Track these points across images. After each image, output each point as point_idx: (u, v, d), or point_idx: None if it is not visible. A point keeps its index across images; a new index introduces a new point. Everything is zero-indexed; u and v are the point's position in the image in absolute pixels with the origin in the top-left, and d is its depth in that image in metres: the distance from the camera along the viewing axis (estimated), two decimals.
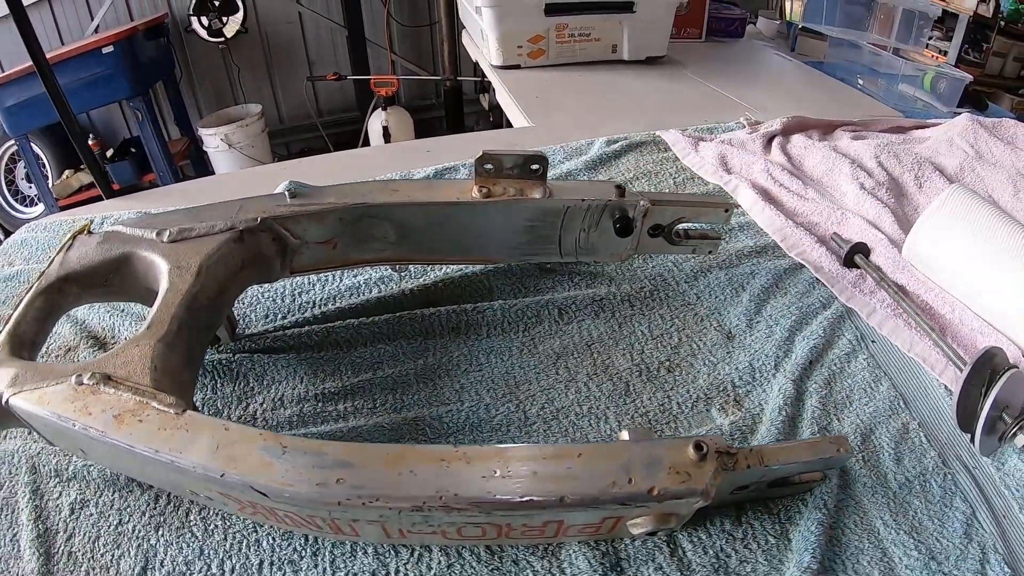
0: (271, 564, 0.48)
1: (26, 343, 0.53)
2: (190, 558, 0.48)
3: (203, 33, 2.68)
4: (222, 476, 0.43)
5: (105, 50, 2.28)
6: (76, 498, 0.53)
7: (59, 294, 0.59)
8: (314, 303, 0.73)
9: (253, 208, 0.65)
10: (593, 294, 0.72)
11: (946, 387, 0.61)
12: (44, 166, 2.67)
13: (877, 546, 0.46)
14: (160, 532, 0.50)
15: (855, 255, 0.75)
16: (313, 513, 0.44)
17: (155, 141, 2.57)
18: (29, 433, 0.58)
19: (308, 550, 0.49)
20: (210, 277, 0.60)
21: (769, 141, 1.04)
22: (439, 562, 0.48)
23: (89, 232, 0.63)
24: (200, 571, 0.47)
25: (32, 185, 2.72)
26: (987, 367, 0.54)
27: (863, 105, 1.36)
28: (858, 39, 1.42)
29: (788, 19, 1.79)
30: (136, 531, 0.50)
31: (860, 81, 1.48)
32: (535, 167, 0.66)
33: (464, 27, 2.01)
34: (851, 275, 0.74)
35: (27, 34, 1.47)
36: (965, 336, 0.65)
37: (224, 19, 2.67)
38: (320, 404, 0.60)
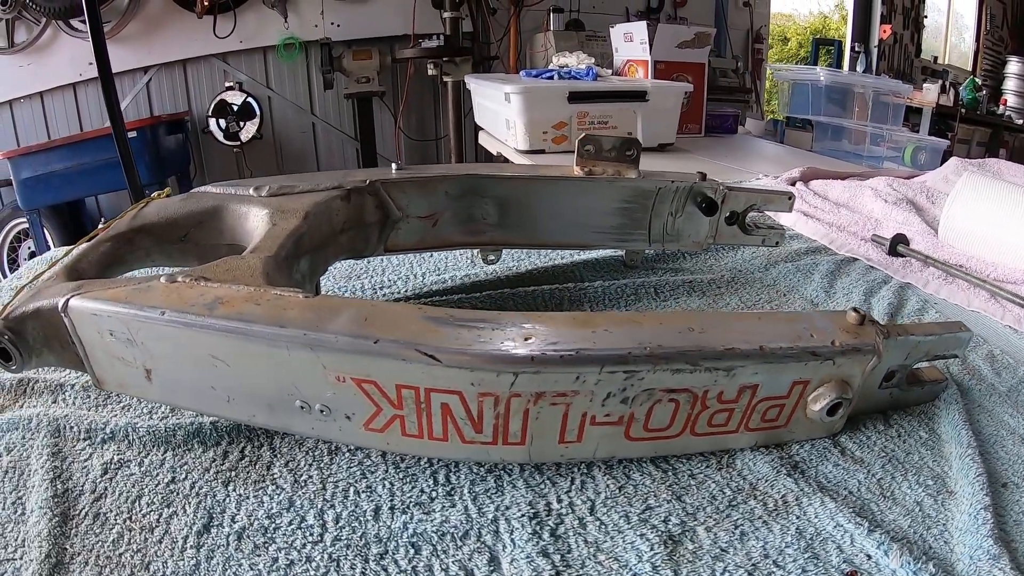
0: (391, 509, 0.39)
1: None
2: (275, 511, 0.39)
3: (220, 135, 2.86)
4: (376, 343, 0.36)
5: (128, 134, 2.41)
6: (112, 459, 0.43)
7: (128, 245, 0.53)
8: (400, 293, 0.74)
9: (362, 174, 0.67)
10: (682, 279, 0.79)
11: (1011, 327, 0.68)
12: (48, 247, 2.71)
13: (1013, 432, 0.51)
14: (231, 487, 0.41)
15: (897, 245, 0.85)
16: (489, 389, 0.37)
17: None
18: (54, 400, 0.50)
19: (440, 490, 0.41)
20: (316, 225, 0.55)
21: (791, 185, 1.18)
22: (607, 486, 0.42)
23: (168, 196, 0.59)
24: (291, 524, 0.38)
25: None
26: None
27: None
28: (841, 123, 1.65)
29: (771, 117, 2.05)
30: (196, 487, 0.41)
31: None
32: (630, 152, 0.76)
33: (481, 128, 2.22)
34: (899, 262, 0.84)
35: (112, 102, 1.66)
36: (1012, 286, 0.74)
37: (241, 124, 2.87)
38: None
